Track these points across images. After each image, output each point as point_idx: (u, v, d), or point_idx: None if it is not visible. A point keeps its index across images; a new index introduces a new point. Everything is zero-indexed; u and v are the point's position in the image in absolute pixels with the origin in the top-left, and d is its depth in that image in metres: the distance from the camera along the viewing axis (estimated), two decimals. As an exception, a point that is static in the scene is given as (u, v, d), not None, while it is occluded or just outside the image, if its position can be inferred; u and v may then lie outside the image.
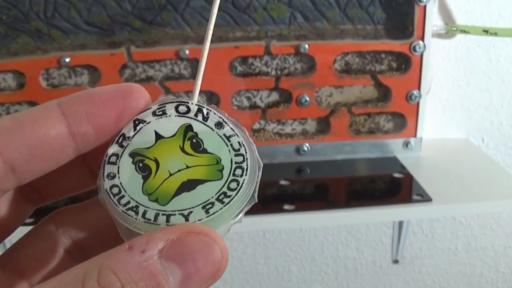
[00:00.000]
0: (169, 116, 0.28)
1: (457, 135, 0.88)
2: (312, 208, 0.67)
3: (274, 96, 0.77)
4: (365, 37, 0.74)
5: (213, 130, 0.28)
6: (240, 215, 0.27)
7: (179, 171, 0.27)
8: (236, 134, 0.28)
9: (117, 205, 0.26)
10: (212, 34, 0.72)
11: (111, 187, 0.27)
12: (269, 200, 0.70)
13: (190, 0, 0.71)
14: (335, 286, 1.03)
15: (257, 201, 0.27)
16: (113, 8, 0.72)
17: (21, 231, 0.31)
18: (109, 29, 0.73)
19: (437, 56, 0.82)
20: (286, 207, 0.67)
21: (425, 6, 0.72)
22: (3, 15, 0.72)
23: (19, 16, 0.72)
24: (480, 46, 0.82)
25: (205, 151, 0.27)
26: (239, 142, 0.28)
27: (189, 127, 0.28)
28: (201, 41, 0.73)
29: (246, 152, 0.28)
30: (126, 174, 0.27)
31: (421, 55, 0.75)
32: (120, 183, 0.27)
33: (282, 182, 0.73)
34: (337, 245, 0.98)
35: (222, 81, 0.74)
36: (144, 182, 0.27)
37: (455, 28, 0.77)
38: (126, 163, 0.27)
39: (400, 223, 0.89)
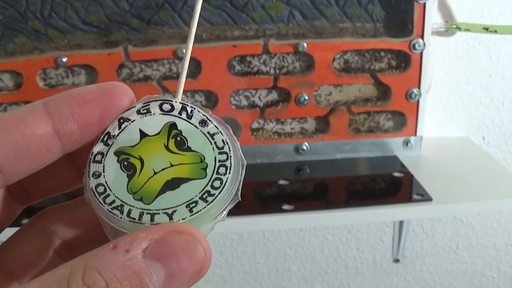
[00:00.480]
0: (153, 114, 0.29)
1: (458, 134, 0.88)
2: (311, 208, 0.67)
3: (273, 95, 0.77)
4: (364, 35, 0.74)
5: (197, 128, 0.28)
6: (224, 213, 0.27)
7: (163, 169, 0.27)
8: (220, 132, 0.28)
9: (102, 204, 0.26)
10: (210, 33, 0.71)
11: (96, 186, 0.27)
12: (268, 200, 0.70)
13: (187, -1, 0.71)
14: (336, 285, 1.02)
15: (240, 200, 0.27)
16: (110, 7, 0.71)
17: (10, 231, 0.31)
18: (106, 28, 0.72)
19: (437, 54, 0.81)
20: (285, 207, 0.66)
21: (424, 4, 0.72)
22: (-1, 15, 0.72)
23: (15, 15, 0.72)
24: (481, 43, 0.81)
25: (189, 149, 0.28)
26: (223, 140, 0.28)
27: (173, 125, 0.28)
28: (198, 40, 0.72)
29: (229, 150, 0.28)
30: (111, 172, 0.27)
31: (421, 53, 0.74)
32: (106, 182, 0.27)
33: (281, 182, 0.73)
34: (337, 244, 0.97)
35: (220, 80, 0.74)
36: (129, 181, 0.27)
37: (455, 26, 0.77)
38: (111, 161, 0.27)
39: (401, 222, 0.88)
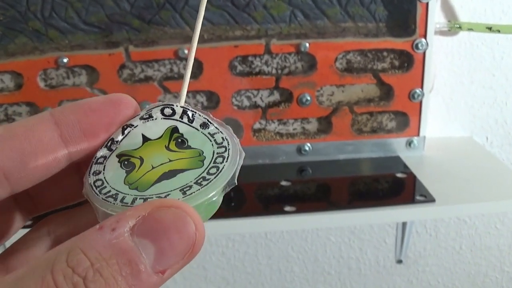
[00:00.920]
0: (155, 119, 0.29)
1: (461, 134, 0.87)
2: (313, 209, 0.66)
3: (275, 96, 0.76)
4: (366, 35, 0.73)
5: (198, 130, 0.29)
6: (217, 195, 0.26)
7: (161, 164, 0.27)
8: (221, 131, 0.29)
9: (98, 194, 0.26)
10: (212, 33, 0.71)
11: (95, 181, 0.27)
12: (270, 201, 0.69)
13: (189, -1, 0.71)
14: (338, 286, 1.02)
15: (236, 184, 0.27)
16: (111, 7, 0.71)
17: (16, 235, 0.31)
18: (107, 28, 0.72)
19: (440, 54, 0.81)
20: (287, 208, 0.66)
21: (427, 3, 0.71)
22: (0, 16, 0.71)
23: (16, 16, 0.71)
24: (484, 43, 0.81)
25: (189, 147, 0.28)
26: (222, 137, 0.28)
27: (175, 129, 0.29)
28: (200, 40, 0.72)
29: (228, 144, 0.28)
30: (111, 170, 0.27)
31: (424, 53, 0.74)
32: (104, 177, 0.27)
33: (283, 183, 0.72)
34: (340, 245, 0.97)
35: (222, 81, 0.73)
36: (126, 176, 0.27)
37: (458, 25, 0.76)
38: (112, 162, 0.28)
39: (404, 223, 0.88)
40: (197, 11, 0.70)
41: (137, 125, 0.29)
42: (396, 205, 0.67)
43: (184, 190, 0.26)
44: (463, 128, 0.87)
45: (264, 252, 0.97)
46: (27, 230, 0.32)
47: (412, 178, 0.73)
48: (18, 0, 0.71)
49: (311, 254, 0.98)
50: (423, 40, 0.73)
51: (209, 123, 0.29)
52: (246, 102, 0.77)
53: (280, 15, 0.72)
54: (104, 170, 0.27)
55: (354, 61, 0.75)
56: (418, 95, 0.75)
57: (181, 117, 0.29)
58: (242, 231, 0.90)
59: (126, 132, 0.29)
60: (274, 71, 0.75)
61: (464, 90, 0.84)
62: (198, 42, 0.71)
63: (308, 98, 0.75)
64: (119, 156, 0.28)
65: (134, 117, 0.29)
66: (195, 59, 0.72)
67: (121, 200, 0.26)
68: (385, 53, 0.75)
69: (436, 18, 0.73)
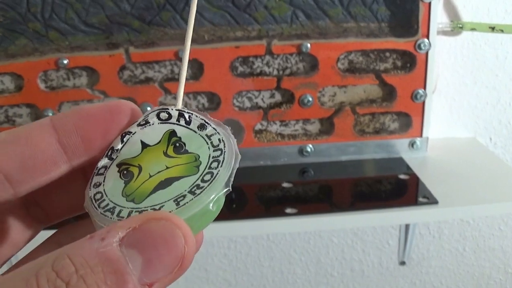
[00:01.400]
0: (152, 124, 0.29)
1: (464, 135, 0.87)
2: (315, 211, 0.66)
3: (276, 97, 0.76)
4: (368, 35, 0.73)
5: (195, 132, 0.29)
6: (212, 203, 0.26)
7: (158, 172, 0.27)
8: (218, 132, 0.28)
9: (97, 209, 0.27)
10: (212, 34, 0.71)
11: (95, 194, 0.27)
12: (271, 203, 0.69)
13: (189, 0, 0.70)
14: (341, 288, 1.02)
15: (230, 190, 0.27)
16: (111, 8, 0.71)
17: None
18: (107, 29, 0.72)
19: (443, 54, 0.80)
20: (288, 210, 0.65)
21: (429, 3, 0.71)
22: (0, 17, 0.71)
23: (16, 17, 0.71)
24: (487, 43, 0.80)
25: (186, 151, 0.28)
26: (219, 139, 0.28)
27: (173, 133, 0.29)
28: (200, 41, 0.71)
29: (224, 146, 0.28)
30: (110, 181, 0.28)
31: (426, 53, 0.73)
32: (104, 189, 0.27)
33: (285, 185, 0.72)
34: (343, 247, 0.97)
35: (222, 82, 0.73)
36: (125, 186, 0.27)
37: (460, 25, 0.76)
38: (112, 172, 0.28)
39: (407, 224, 0.87)
40: (198, 12, 0.70)
41: (135, 132, 0.29)
42: (398, 207, 0.67)
43: (178, 200, 0.25)
44: (466, 129, 0.86)
45: (266, 253, 0.96)
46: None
47: (415, 179, 0.72)
48: (18, 1, 0.70)
49: (314, 255, 0.97)
50: (426, 40, 0.72)
51: (206, 124, 0.29)
52: (247, 103, 0.76)
53: (281, 16, 0.71)
54: (104, 181, 0.28)
55: (356, 61, 0.75)
56: (421, 95, 0.75)
57: (178, 120, 0.29)
58: (242, 234, 0.89)
59: (125, 139, 0.29)
60: (275, 72, 0.74)
61: (467, 90, 0.84)
62: (199, 43, 0.70)
63: (310, 99, 0.74)
64: (119, 165, 0.28)
65: (133, 124, 0.29)
66: (195, 60, 0.72)
67: (118, 214, 0.26)
68: (387, 54, 0.75)
69: (438, 18, 0.72)
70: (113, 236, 0.22)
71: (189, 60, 0.71)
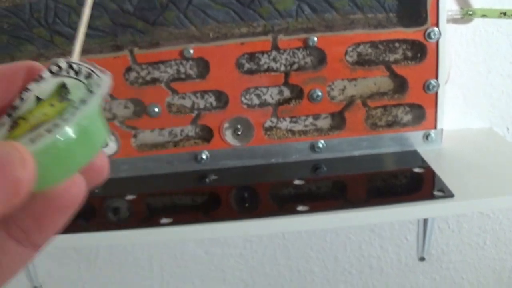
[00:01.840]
0: (46, 78, 0.30)
1: (480, 125, 0.85)
2: (327, 208, 0.64)
3: (285, 93, 0.75)
4: (376, 26, 0.71)
5: (81, 81, 0.30)
6: (61, 136, 0.26)
7: (35, 119, 0.28)
8: (99, 76, 0.30)
9: None
10: (217, 31, 0.69)
11: None
12: (283, 201, 0.68)
13: (192, -2, 0.69)
14: (360, 285, 1.00)
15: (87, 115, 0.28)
16: (114, 10, 0.70)
17: None
18: (111, 32, 0.71)
19: (454, 43, 0.78)
20: (300, 208, 0.64)
21: (437, -9, 0.69)
22: (3, 24, 0.71)
23: (20, 24, 0.71)
24: (499, 30, 0.79)
25: (67, 99, 0.29)
26: (98, 84, 0.29)
27: (62, 85, 0.30)
28: (206, 39, 0.70)
29: (96, 90, 0.29)
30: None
31: (437, 42, 0.71)
32: None
33: (297, 182, 0.71)
34: (360, 243, 0.95)
35: (229, 80, 0.72)
36: (6, 136, 0.28)
37: (471, 12, 0.74)
38: (5, 127, 0.29)
39: (425, 219, 0.86)
40: (202, 10, 0.69)
41: (31, 88, 0.30)
42: (413, 202, 0.65)
43: (33, 138, 0.26)
44: (482, 119, 0.85)
45: (282, 252, 0.95)
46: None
47: (430, 172, 0.71)
48: (21, 7, 0.70)
49: (331, 253, 0.96)
50: (435, 29, 0.70)
51: (92, 73, 0.30)
52: (255, 100, 0.75)
53: (286, 10, 0.70)
54: None
55: (365, 53, 0.73)
56: (433, 86, 0.73)
57: (68, 72, 0.30)
58: (256, 232, 0.88)
59: (23, 96, 0.30)
60: (282, 68, 0.73)
61: (481, 79, 0.82)
62: (204, 41, 0.69)
63: (319, 93, 0.73)
64: (14, 120, 0.29)
65: (31, 81, 0.30)
66: (201, 58, 0.71)
67: None
68: (396, 44, 0.73)
69: (447, 5, 0.71)
70: None
71: (193, 59, 0.71)
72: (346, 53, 0.72)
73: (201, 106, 0.75)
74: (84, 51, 0.71)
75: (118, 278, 0.99)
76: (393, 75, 0.74)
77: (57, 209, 0.28)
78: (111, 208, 0.70)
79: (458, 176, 0.69)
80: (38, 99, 0.29)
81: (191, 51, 0.70)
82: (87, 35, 0.70)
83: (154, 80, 0.73)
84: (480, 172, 0.70)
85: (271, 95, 0.75)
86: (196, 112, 0.74)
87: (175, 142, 0.77)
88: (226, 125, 0.74)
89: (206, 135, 0.76)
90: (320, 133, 0.76)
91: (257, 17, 0.70)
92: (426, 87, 0.73)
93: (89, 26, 0.70)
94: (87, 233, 0.66)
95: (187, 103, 0.75)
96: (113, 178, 0.76)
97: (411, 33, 0.71)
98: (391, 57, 0.74)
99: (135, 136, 0.76)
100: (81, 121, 0.27)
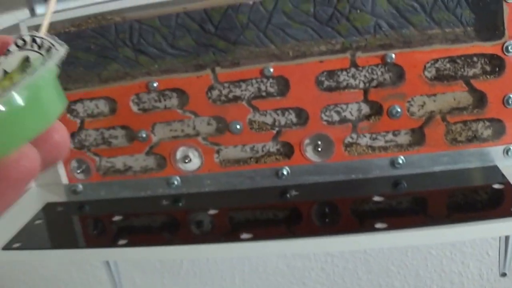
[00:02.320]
0: (13, 52, 0.31)
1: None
2: (406, 225, 0.64)
3: (364, 109, 0.75)
4: (454, 41, 0.71)
5: (42, 54, 0.31)
6: (9, 95, 0.26)
7: None
8: (57, 49, 0.31)
9: None
10: (297, 50, 0.71)
11: None
12: (361, 218, 0.68)
13: (271, 17, 0.71)
14: (440, 303, 0.99)
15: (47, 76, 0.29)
16: (197, 30, 0.72)
17: None
18: (194, 51, 0.73)
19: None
20: (378, 225, 0.64)
21: (515, 4, 0.69)
22: (91, 44, 0.74)
23: (106, 44, 0.74)
24: None
25: (26, 72, 0.30)
26: (53, 53, 0.31)
27: (26, 58, 0.31)
28: (285, 57, 0.72)
29: (50, 58, 0.30)
30: None
31: (516, 56, 0.71)
32: None
33: (376, 198, 0.71)
34: (441, 258, 0.94)
35: (309, 97, 0.73)
36: None
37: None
38: None
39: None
40: (281, 29, 0.71)
41: (1, 61, 0.31)
42: (492, 219, 0.64)
43: None
44: None
45: (363, 267, 0.95)
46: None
47: (510, 188, 0.70)
48: (107, 29, 0.73)
49: (412, 268, 0.95)
50: (515, 42, 0.70)
51: (52, 47, 0.31)
52: (335, 117, 0.76)
53: (364, 27, 0.71)
54: None
55: (444, 68, 0.74)
56: (513, 100, 0.73)
57: (32, 45, 0.31)
58: (334, 249, 0.88)
59: None
60: (361, 84, 0.74)
61: None
62: (284, 60, 0.71)
63: (399, 109, 0.73)
64: None
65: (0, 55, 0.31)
66: (281, 76, 0.72)
67: None
68: (475, 59, 0.73)
69: (526, 18, 0.70)
70: None
71: (274, 77, 0.72)
72: (424, 68, 0.72)
73: (282, 123, 0.77)
74: (170, 71, 0.74)
75: (198, 293, 1.01)
76: (472, 90, 0.74)
77: (5, 182, 0.26)
78: (194, 222, 0.72)
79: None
80: (5, 72, 0.30)
81: (271, 70, 0.72)
82: (171, 55, 0.74)
83: (236, 98, 0.75)
84: None
85: (351, 111, 0.76)
86: (277, 128, 0.76)
87: (256, 158, 0.78)
88: (306, 141, 0.76)
89: (287, 151, 0.77)
90: (400, 149, 0.76)
91: (336, 35, 0.72)
92: (505, 101, 0.73)
93: (173, 46, 0.73)
94: (171, 246, 0.68)
95: (268, 120, 0.77)
96: (197, 193, 0.78)
97: (489, 47, 0.71)
98: (470, 72, 0.74)
99: (218, 152, 0.78)
100: (29, 89, 0.27)
